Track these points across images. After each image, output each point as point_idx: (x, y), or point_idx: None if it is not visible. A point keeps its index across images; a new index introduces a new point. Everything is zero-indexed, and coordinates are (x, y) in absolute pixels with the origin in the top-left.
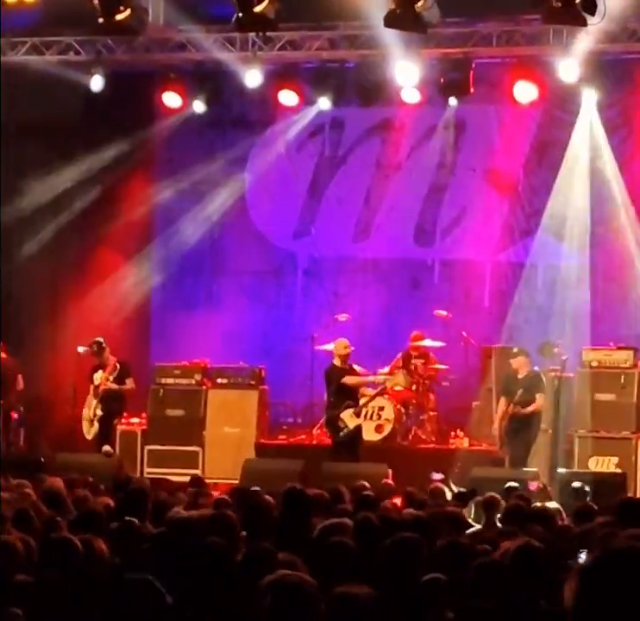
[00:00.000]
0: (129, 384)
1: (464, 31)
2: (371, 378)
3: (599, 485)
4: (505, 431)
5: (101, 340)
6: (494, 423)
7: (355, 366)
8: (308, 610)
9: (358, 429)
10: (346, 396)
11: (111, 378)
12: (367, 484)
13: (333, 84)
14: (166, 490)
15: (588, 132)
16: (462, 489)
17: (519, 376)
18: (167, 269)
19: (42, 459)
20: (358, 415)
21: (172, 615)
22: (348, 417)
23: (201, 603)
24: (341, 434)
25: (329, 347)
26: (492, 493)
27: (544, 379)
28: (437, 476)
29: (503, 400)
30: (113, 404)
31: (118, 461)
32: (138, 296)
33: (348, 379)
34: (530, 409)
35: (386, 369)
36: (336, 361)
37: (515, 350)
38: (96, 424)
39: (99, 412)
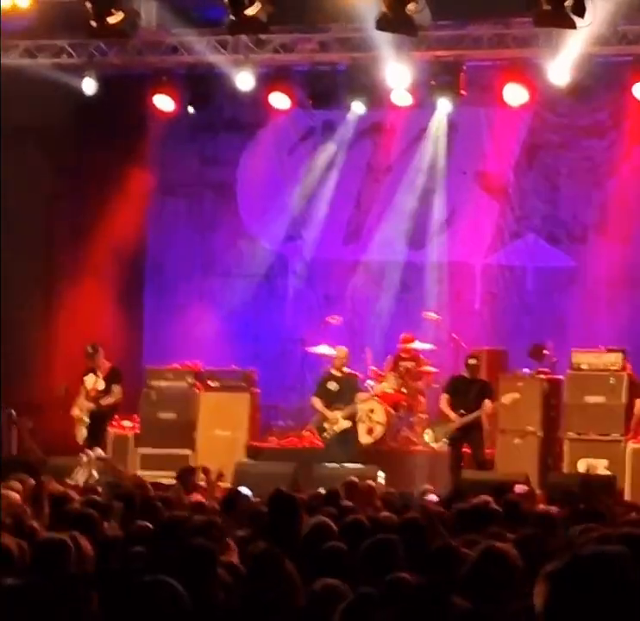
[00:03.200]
0: (116, 392)
1: (455, 34)
2: (330, 413)
3: (589, 487)
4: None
5: (96, 345)
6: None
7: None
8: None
9: (346, 431)
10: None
11: (101, 380)
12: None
13: (324, 86)
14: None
15: None
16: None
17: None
18: (160, 271)
19: (35, 461)
20: (347, 418)
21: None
22: (336, 420)
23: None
24: (325, 435)
25: (321, 349)
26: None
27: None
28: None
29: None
30: (103, 415)
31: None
32: (131, 298)
33: (314, 402)
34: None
35: (373, 383)
36: (334, 370)
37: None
38: (84, 429)
39: (87, 420)
